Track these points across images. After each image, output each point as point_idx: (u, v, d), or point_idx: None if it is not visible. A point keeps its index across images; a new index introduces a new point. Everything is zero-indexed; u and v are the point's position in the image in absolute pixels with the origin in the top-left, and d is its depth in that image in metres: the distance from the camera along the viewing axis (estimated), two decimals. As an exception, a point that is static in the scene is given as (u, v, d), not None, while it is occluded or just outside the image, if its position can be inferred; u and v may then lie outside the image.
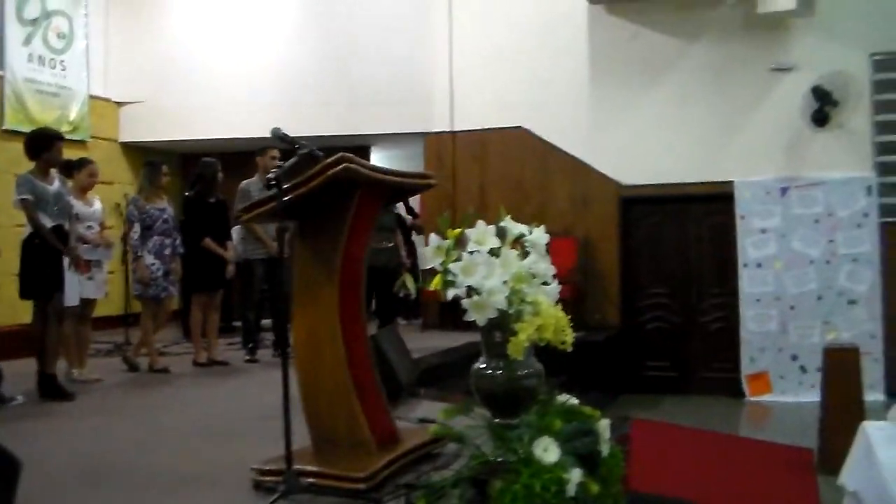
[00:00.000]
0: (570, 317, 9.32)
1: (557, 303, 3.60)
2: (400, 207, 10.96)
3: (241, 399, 6.18)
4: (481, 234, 3.48)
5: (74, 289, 6.29)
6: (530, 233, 3.87)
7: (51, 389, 6.15)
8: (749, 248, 9.68)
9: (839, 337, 9.28)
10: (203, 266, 7.60)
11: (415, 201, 11.27)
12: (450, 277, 3.32)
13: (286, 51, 10.98)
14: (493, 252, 3.50)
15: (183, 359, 8.01)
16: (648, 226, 10.22)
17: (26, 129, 9.50)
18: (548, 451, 3.28)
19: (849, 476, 4.14)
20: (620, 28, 10.09)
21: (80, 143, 10.32)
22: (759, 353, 9.63)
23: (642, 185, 10.02)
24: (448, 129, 10.81)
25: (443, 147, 10.86)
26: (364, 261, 4.15)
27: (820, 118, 9.37)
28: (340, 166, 3.62)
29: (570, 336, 3.57)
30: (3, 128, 9.41)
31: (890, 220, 9.35)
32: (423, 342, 9.14)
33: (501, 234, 3.62)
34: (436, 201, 10.89)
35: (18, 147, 9.22)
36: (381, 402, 4.11)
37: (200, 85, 10.94)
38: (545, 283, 3.74)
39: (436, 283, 3.36)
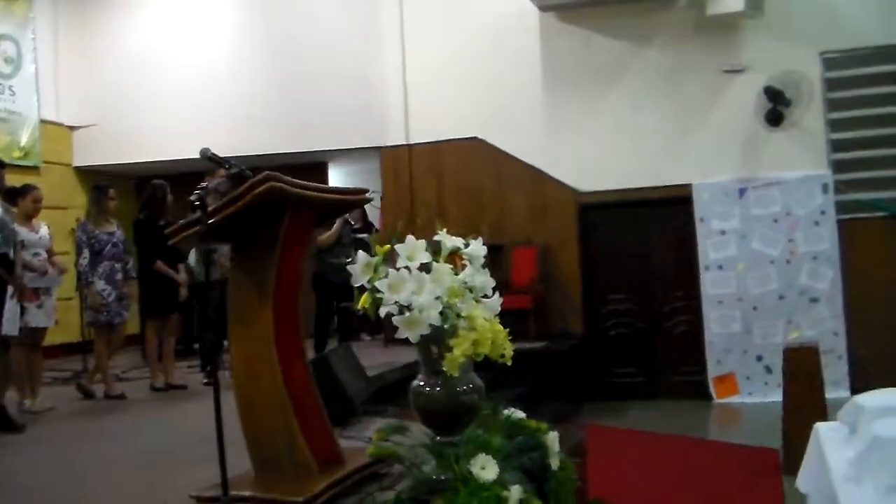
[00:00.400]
0: (533, 326, 9.06)
1: (499, 316, 3.56)
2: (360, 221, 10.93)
3: (194, 424, 6.00)
4: (411, 249, 3.40)
5: (13, 318, 6.14)
6: (467, 246, 3.79)
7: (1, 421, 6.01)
8: (709, 250, 9.68)
9: (802, 336, 9.32)
10: (155, 289, 7.50)
11: (374, 216, 11.23)
12: (377, 295, 3.24)
13: (237, 71, 10.89)
14: (424, 267, 3.42)
15: (141, 384, 7.89)
16: (608, 232, 10.20)
17: (-25, 156, 9.44)
18: (486, 468, 3.21)
19: (802, 478, 4.10)
20: (573, 35, 10.08)
21: (33, 169, 10.18)
22: (725, 354, 9.63)
23: (600, 192, 10.01)
24: (404, 143, 10.75)
25: (399, 160, 10.81)
26: (300, 280, 4.07)
27: (774, 118, 9.40)
28: (265, 185, 3.54)
29: (508, 350, 3.52)
30: (-48, 156, 9.26)
31: (847, 216, 9.38)
32: (385, 357, 9.05)
33: (436, 248, 3.55)
34: (395, 215, 10.85)
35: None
36: (323, 423, 4.02)
37: (152, 107, 10.81)
38: (485, 297, 3.69)
39: (363, 301, 3.30)
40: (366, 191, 4.40)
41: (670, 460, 7.58)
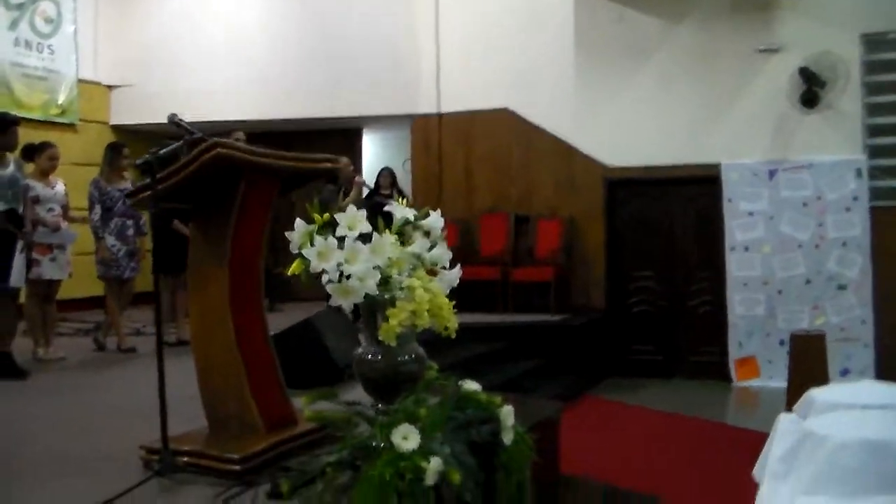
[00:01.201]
0: (554, 299, 8.92)
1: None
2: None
3: (191, 379, 6.16)
4: (352, 219, 3.41)
5: (20, 271, 6.32)
6: (425, 217, 3.78)
7: (5, 368, 6.22)
8: (736, 231, 9.50)
9: (828, 322, 9.12)
10: (169, 247, 7.61)
11: (405, 184, 11.25)
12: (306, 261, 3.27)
13: (271, 34, 10.98)
14: (364, 237, 3.43)
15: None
16: (634, 208, 10.08)
17: (14, 113, 9.68)
18: (408, 438, 3.21)
19: (757, 467, 4.05)
20: (606, 9, 9.91)
21: (70, 126, 10.43)
22: (747, 337, 9.47)
23: (628, 168, 9.88)
24: (435, 112, 10.74)
25: (429, 129, 10.82)
26: (260, 247, 4.10)
27: (808, 100, 9.14)
28: (212, 152, 3.57)
29: (452, 322, 3.51)
30: (-10, 112, 9.52)
31: (880, 203, 9.12)
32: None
33: (388, 220, 3.56)
34: (424, 184, 10.88)
35: (5, 130, 9.42)
36: (276, 385, 4.07)
37: (190, 68, 10.96)
38: (444, 269, 3.70)
39: (294, 267, 3.32)
40: (332, 159, 4.40)
41: (673, 439, 7.55)
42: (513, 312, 9.81)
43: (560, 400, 8.40)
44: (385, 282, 3.41)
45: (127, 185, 7.43)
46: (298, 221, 3.42)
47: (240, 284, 3.94)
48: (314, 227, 3.39)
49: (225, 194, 3.88)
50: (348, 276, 3.28)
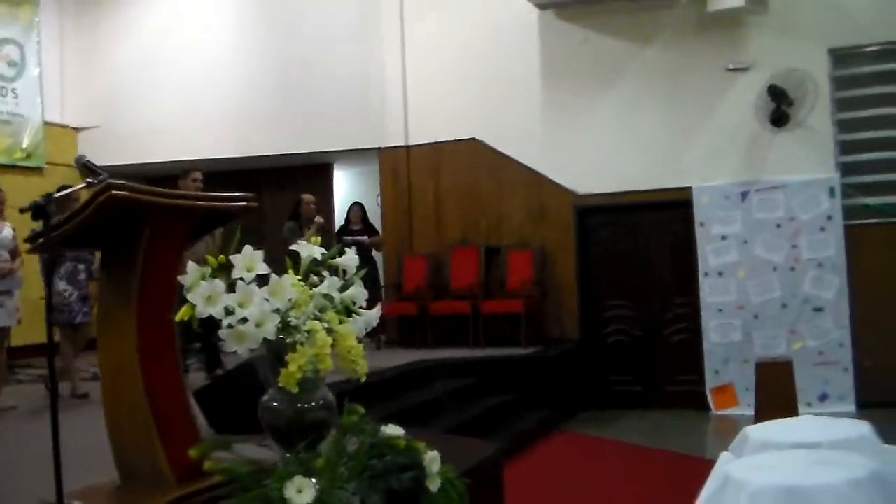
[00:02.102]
0: (525, 331, 8.74)
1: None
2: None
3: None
4: (248, 260, 3.27)
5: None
6: (340, 255, 3.65)
7: None
8: (710, 255, 9.32)
9: (805, 347, 8.94)
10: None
11: (375, 218, 11.12)
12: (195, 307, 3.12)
13: (238, 72, 10.94)
14: (263, 279, 3.30)
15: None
16: (606, 236, 9.92)
17: (-23, 158, 9.63)
18: (302, 491, 3.04)
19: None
20: (571, 33, 9.83)
21: (36, 170, 10.35)
22: (724, 364, 9.26)
23: (598, 194, 9.74)
24: (403, 144, 10.64)
25: (398, 162, 10.70)
26: (172, 290, 3.95)
27: (777, 118, 9.00)
28: (105, 195, 3.44)
29: (360, 366, 3.37)
30: (-47, 158, 9.48)
31: (854, 222, 8.96)
32: (367, 362, 8.92)
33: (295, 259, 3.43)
34: (393, 216, 10.75)
35: (-33, 176, 9.35)
36: (190, 434, 3.90)
37: (157, 108, 10.91)
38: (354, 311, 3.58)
39: (183, 312, 3.17)
40: (246, 197, 4.26)
41: (647, 473, 7.34)
42: (484, 346, 9.63)
43: (531, 435, 8.27)
44: (286, 326, 3.27)
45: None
46: (190, 264, 3.28)
47: (149, 330, 3.78)
48: (206, 269, 3.25)
49: (130, 237, 3.75)
50: (244, 321, 3.16)
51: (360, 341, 9.94)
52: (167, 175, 11.26)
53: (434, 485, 3.64)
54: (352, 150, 10.90)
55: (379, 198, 11.01)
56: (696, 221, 9.35)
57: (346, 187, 12.24)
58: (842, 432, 3.32)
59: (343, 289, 3.58)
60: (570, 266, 9.92)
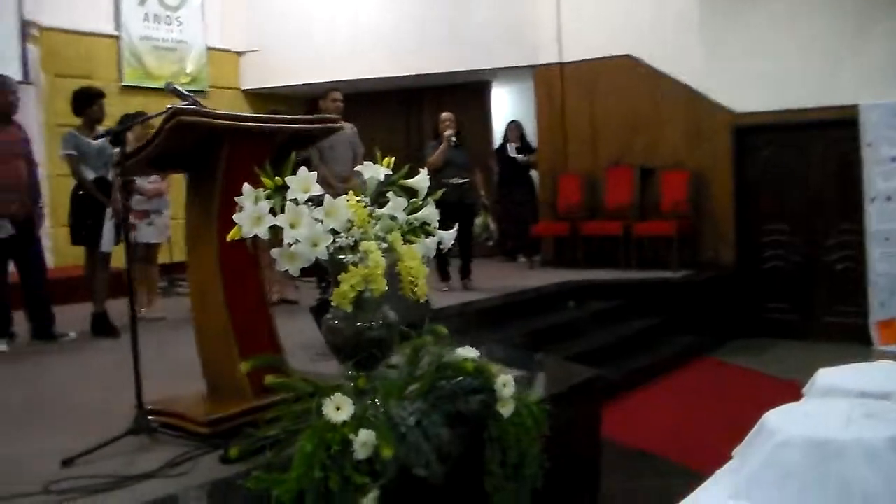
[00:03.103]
0: (675, 255, 8.57)
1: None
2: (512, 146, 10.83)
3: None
4: (304, 181, 3.31)
5: (110, 237, 6.61)
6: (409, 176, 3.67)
7: (101, 327, 6.66)
8: (877, 179, 8.61)
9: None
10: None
11: (532, 136, 10.99)
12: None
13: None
14: (315, 200, 3.34)
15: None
16: (766, 157, 9.34)
17: (145, 84, 10.17)
18: (341, 409, 3.09)
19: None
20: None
21: (200, 93, 10.78)
22: (890, 296, 8.59)
23: (758, 113, 9.15)
24: (556, 61, 10.37)
25: (552, 80, 10.46)
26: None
27: (962, 27, 8.13)
28: (172, 121, 3.55)
29: (420, 288, 3.37)
30: (122, 84, 10.01)
31: None
32: (515, 280, 8.96)
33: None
34: (547, 136, 10.58)
35: (138, 101, 9.89)
36: (270, 349, 4.03)
37: (313, 30, 11.07)
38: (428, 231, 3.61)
39: (233, 233, 3.26)
40: (328, 118, 4.29)
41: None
42: (636, 269, 9.40)
43: (673, 361, 8.06)
44: (350, 246, 3.31)
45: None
46: (246, 186, 3.34)
47: (230, 248, 3.89)
48: (260, 192, 3.31)
49: (208, 158, 3.87)
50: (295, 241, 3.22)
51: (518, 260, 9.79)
52: (319, 96, 11.55)
53: (507, 409, 3.62)
54: (507, 68, 10.73)
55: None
56: (863, 141, 8.63)
57: (507, 105, 12.10)
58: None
59: (414, 210, 3.58)
60: (726, 188, 9.46)
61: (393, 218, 3.48)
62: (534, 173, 10.91)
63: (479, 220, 8.73)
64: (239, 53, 11.49)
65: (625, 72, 9.92)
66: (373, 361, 3.49)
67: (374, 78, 11.00)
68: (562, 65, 10.35)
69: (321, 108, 8.22)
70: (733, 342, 8.99)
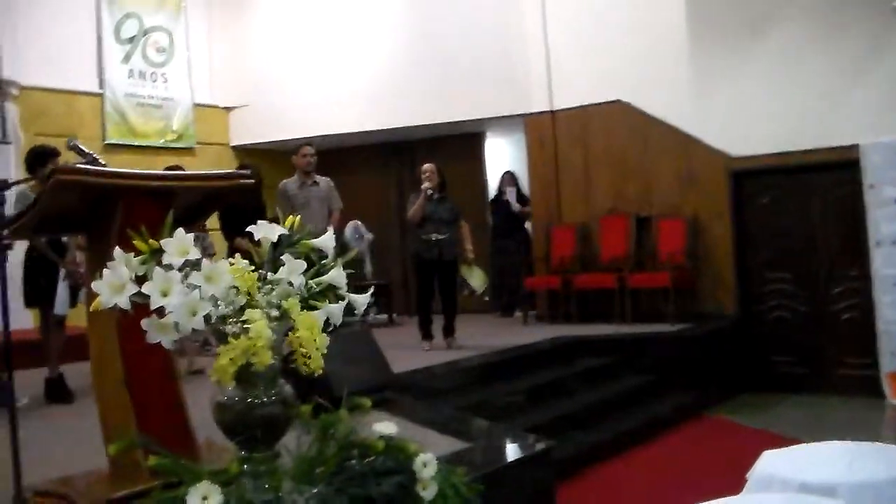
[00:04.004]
0: (672, 307, 8.20)
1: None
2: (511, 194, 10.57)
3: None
4: (181, 243, 2.99)
5: (64, 300, 6.38)
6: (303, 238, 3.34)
7: (55, 392, 6.43)
8: (882, 222, 8.12)
9: None
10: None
11: (525, 187, 10.69)
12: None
13: (381, 44, 10.84)
14: (192, 265, 3.01)
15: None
16: (764, 202, 8.92)
17: (129, 141, 10.05)
18: (208, 498, 2.76)
19: None
20: (720, -22, 8.89)
21: (188, 150, 10.67)
22: (902, 346, 8.12)
23: (755, 156, 8.77)
24: (548, 109, 10.08)
25: (544, 128, 10.16)
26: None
27: (963, 60, 7.73)
28: (51, 180, 3.29)
29: (313, 361, 3.02)
30: (106, 142, 9.88)
31: None
32: (503, 337, 8.58)
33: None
34: (540, 185, 10.27)
35: (122, 159, 9.79)
36: (175, 426, 3.71)
37: (303, 84, 10.97)
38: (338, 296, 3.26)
39: (95, 304, 2.95)
40: (240, 174, 4.00)
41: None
42: (632, 322, 8.99)
43: (667, 421, 7.59)
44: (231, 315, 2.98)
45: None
46: (117, 250, 3.06)
47: (130, 316, 3.61)
48: (133, 258, 3.01)
49: (105, 220, 3.60)
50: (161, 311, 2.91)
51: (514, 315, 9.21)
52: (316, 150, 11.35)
53: (429, 492, 3.26)
54: (499, 117, 10.48)
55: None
56: (865, 183, 8.19)
57: (503, 156, 11.83)
58: (871, 471, 2.61)
59: (318, 273, 3.26)
60: (725, 235, 9.05)
61: (290, 283, 3.15)
62: (528, 225, 10.58)
63: (477, 276, 8.37)
64: (227, 109, 11.37)
65: (616, 117, 9.62)
66: (266, 441, 3.16)
67: (365, 131, 10.82)
68: (553, 112, 10.06)
69: (293, 163, 7.98)
70: (737, 398, 8.49)
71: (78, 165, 3.47)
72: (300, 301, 3.08)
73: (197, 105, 10.89)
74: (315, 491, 3.11)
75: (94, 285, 2.90)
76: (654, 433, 7.24)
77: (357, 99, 10.70)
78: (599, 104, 9.67)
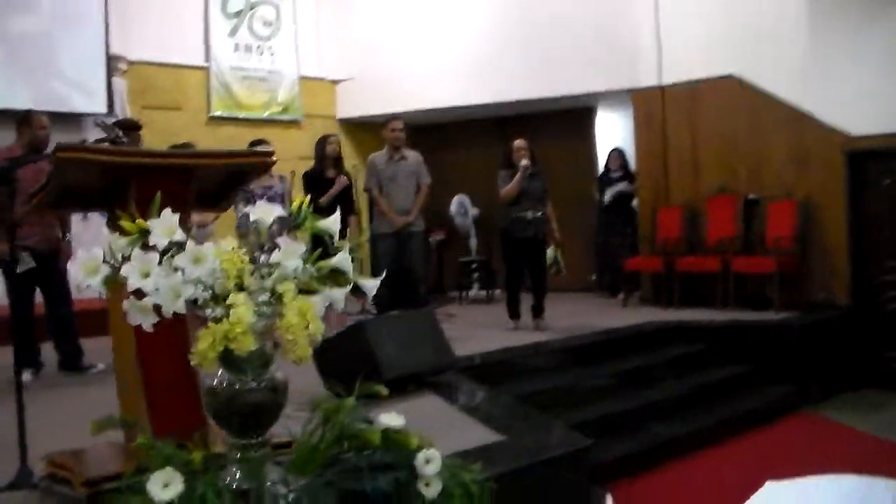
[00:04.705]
0: (777, 294, 7.91)
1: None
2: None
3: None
4: (166, 225, 2.93)
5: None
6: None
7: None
8: None
9: None
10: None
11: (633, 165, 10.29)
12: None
13: (488, 17, 10.53)
14: (177, 246, 2.94)
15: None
16: (886, 185, 8.23)
17: (233, 114, 10.21)
18: (169, 486, 2.70)
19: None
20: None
21: (294, 123, 10.74)
22: None
23: (876, 136, 8.08)
24: (657, 84, 9.62)
25: (652, 104, 9.72)
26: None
27: None
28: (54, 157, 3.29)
29: (300, 348, 2.90)
30: (210, 115, 10.06)
31: None
32: (595, 319, 8.31)
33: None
34: (647, 163, 9.85)
35: (227, 131, 10.00)
36: (185, 407, 3.65)
37: (409, 57, 10.82)
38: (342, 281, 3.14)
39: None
40: (262, 153, 3.90)
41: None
42: (734, 308, 8.52)
43: (760, 416, 7.14)
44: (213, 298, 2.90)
45: (272, 181, 7.41)
46: (105, 231, 3.04)
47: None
48: (124, 239, 2.96)
49: (118, 197, 3.57)
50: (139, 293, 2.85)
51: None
52: (421, 124, 11.28)
53: (432, 490, 3.12)
54: (605, 92, 10.10)
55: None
56: None
57: (612, 131, 11.41)
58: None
59: (319, 258, 3.13)
60: (840, 220, 8.43)
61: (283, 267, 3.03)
62: (636, 202, 10.18)
63: (549, 253, 8.11)
64: (334, 82, 11.37)
65: (728, 93, 9.07)
66: (254, 428, 3.06)
67: (471, 105, 10.62)
68: (662, 88, 9.60)
69: (383, 136, 7.90)
70: (842, 395, 7.91)
71: (88, 144, 3.45)
72: (298, 286, 2.97)
73: (303, 78, 10.93)
74: (303, 483, 3.02)
75: (69, 266, 2.87)
76: (743, 428, 6.82)
77: (462, 72, 10.50)
78: (711, 79, 9.15)
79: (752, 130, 8.96)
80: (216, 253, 2.86)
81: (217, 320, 2.79)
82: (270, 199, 7.32)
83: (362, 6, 11.25)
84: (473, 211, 11.01)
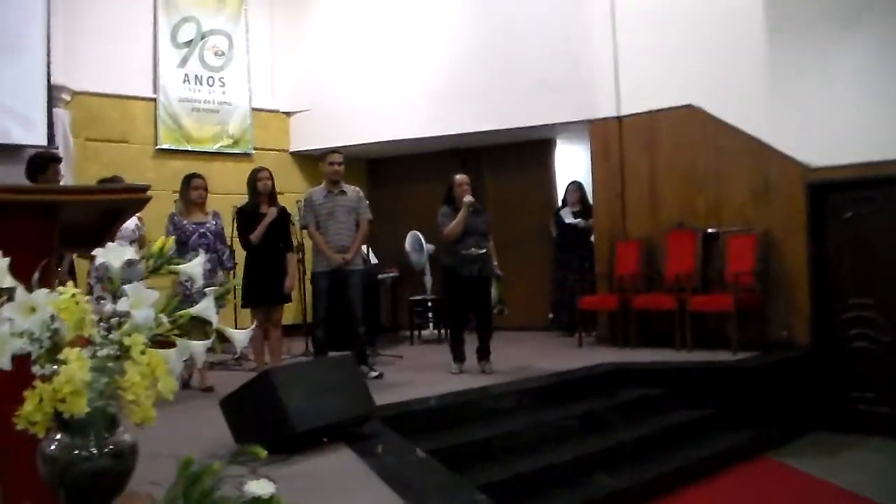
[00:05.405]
0: (735, 333, 7.74)
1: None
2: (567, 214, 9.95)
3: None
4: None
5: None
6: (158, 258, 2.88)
7: None
8: (982, 243, 7.14)
9: None
10: (258, 279, 7.19)
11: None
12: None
13: (444, 48, 10.34)
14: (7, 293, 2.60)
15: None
16: (848, 218, 7.94)
17: (182, 147, 9.89)
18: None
19: None
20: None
21: (244, 156, 10.44)
22: None
23: (837, 167, 7.82)
24: (614, 114, 9.35)
25: (609, 135, 9.43)
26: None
27: None
28: None
29: (142, 410, 2.55)
30: (158, 147, 9.75)
31: None
32: (546, 362, 7.96)
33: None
34: (605, 196, 9.57)
35: (173, 165, 9.66)
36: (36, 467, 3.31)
37: (367, 89, 10.58)
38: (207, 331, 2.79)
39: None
40: (135, 188, 3.56)
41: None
42: (693, 349, 8.20)
43: (718, 462, 6.78)
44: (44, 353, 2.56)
45: (205, 218, 7.10)
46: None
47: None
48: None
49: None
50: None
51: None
52: (377, 157, 10.99)
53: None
54: (564, 123, 9.84)
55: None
56: (964, 199, 7.21)
57: (571, 164, 11.14)
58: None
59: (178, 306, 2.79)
60: (800, 255, 8.12)
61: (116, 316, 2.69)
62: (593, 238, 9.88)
63: (493, 292, 7.78)
64: (288, 114, 11.10)
65: (686, 123, 8.81)
66: (95, 500, 2.71)
67: (428, 137, 10.36)
68: (620, 118, 9.33)
69: (321, 170, 7.59)
70: (803, 438, 7.58)
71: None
72: (152, 338, 2.64)
73: (256, 110, 10.66)
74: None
75: None
76: (699, 477, 6.46)
77: (419, 104, 10.26)
78: (669, 109, 8.89)
79: (711, 161, 8.69)
80: (51, 302, 2.52)
81: (47, 378, 2.45)
82: (202, 236, 7.02)
83: (317, 37, 11.01)
84: (429, 247, 10.66)
